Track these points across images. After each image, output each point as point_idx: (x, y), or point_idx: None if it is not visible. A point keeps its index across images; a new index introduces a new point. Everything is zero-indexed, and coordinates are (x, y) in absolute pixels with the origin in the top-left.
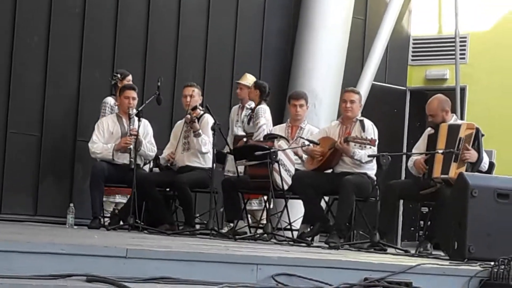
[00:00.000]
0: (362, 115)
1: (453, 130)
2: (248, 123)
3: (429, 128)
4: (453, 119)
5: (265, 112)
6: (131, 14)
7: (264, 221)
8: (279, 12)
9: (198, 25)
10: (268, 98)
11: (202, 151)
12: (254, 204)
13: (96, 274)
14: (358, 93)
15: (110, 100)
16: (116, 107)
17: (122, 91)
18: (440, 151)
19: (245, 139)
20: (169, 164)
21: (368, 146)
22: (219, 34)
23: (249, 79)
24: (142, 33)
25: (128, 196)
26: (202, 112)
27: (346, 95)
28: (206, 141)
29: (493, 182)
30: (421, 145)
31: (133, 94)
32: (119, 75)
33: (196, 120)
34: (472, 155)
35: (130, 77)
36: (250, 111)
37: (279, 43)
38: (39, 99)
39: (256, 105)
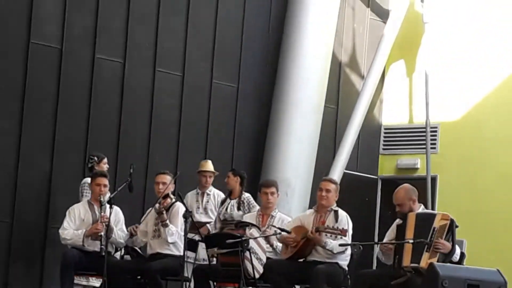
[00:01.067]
0: (336, 206)
1: (425, 219)
2: (239, 210)
3: (397, 219)
4: (420, 209)
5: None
6: (105, 98)
7: None
8: (251, 98)
9: (172, 111)
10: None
11: (168, 241)
12: None
13: None
14: (335, 183)
15: (88, 180)
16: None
17: (94, 178)
18: (410, 241)
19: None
20: (131, 240)
21: (339, 237)
22: (192, 119)
23: (210, 165)
24: (115, 116)
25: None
26: (173, 200)
27: (323, 184)
28: (173, 232)
29: (463, 272)
30: (390, 235)
31: (105, 181)
32: (96, 158)
33: (164, 211)
34: (445, 246)
35: (105, 160)
36: (227, 198)
37: (252, 130)
38: (10, 184)
39: (240, 194)
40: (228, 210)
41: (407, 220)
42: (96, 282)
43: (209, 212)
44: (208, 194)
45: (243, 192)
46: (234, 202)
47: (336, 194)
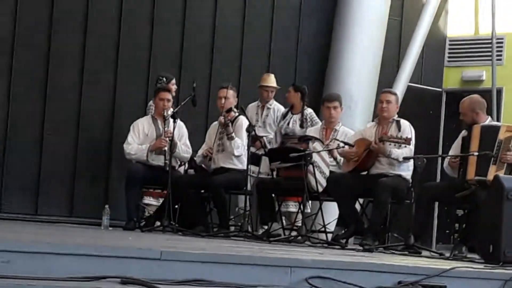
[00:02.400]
0: (397, 117)
1: (490, 131)
2: (302, 127)
3: (463, 131)
4: (487, 121)
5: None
6: (166, 16)
7: (299, 224)
8: (315, 13)
9: (233, 26)
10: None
11: (235, 154)
12: (291, 206)
13: (130, 276)
14: (394, 94)
15: (151, 103)
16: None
17: (157, 93)
18: (475, 153)
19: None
20: (206, 162)
21: (404, 146)
22: (255, 36)
23: (273, 79)
24: (178, 34)
25: (159, 198)
26: (236, 114)
27: (383, 95)
28: (239, 145)
29: None
30: (455, 147)
31: (168, 96)
32: (164, 79)
33: (230, 123)
34: None
35: (174, 81)
36: (288, 112)
37: (315, 44)
38: (75, 100)
39: (302, 109)
40: (290, 125)
41: (472, 132)
42: (161, 201)
43: (267, 126)
44: (268, 108)
45: (305, 107)
46: (296, 117)
47: (397, 105)
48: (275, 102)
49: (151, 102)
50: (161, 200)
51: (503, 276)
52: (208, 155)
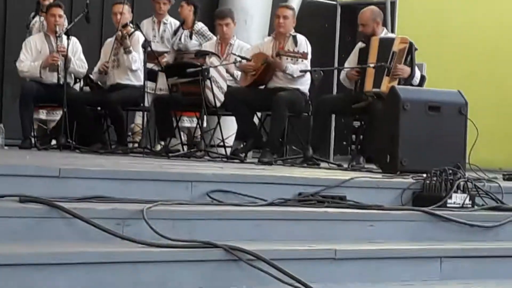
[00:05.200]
0: (294, 31)
1: (386, 43)
2: (191, 39)
3: (360, 43)
4: (383, 33)
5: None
6: None
7: (198, 139)
8: None
9: None
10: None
11: (132, 68)
12: (187, 122)
13: (29, 194)
14: (291, 8)
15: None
16: (39, 24)
17: (48, 9)
18: (372, 65)
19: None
20: (102, 77)
21: (300, 60)
22: None
23: None
24: None
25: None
26: (132, 29)
27: (280, 10)
28: (136, 58)
29: (424, 95)
30: (352, 59)
31: (59, 11)
32: None
33: (128, 37)
34: (404, 70)
35: None
36: (180, 27)
37: None
38: None
39: (192, 24)
40: (182, 40)
41: (370, 44)
42: (56, 115)
43: (165, 41)
44: (164, 23)
45: (196, 22)
46: (187, 32)
47: (293, 20)
48: (170, 18)
49: (32, 16)
50: (54, 114)
51: (401, 185)
52: (104, 69)
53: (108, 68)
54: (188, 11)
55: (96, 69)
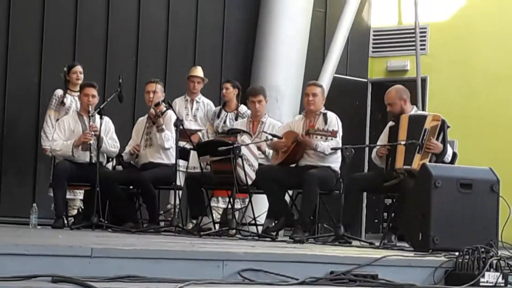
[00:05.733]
0: (324, 109)
1: (416, 121)
2: (236, 121)
3: (390, 121)
4: (413, 110)
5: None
6: (90, 9)
7: (229, 217)
8: (240, 5)
9: (158, 18)
10: None
11: (165, 147)
12: (221, 202)
13: (61, 274)
14: (320, 86)
15: (58, 92)
16: (64, 98)
17: (82, 88)
18: (402, 142)
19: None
20: (133, 159)
21: (330, 138)
22: (180, 28)
23: (200, 71)
24: (102, 28)
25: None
26: (165, 108)
27: (309, 88)
28: (169, 137)
29: (455, 172)
30: (383, 138)
31: (93, 91)
32: (65, 68)
33: (161, 115)
34: (437, 146)
35: (77, 68)
36: (228, 111)
37: (240, 36)
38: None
39: (236, 106)
40: (227, 123)
41: (399, 122)
42: (79, 195)
43: (198, 120)
44: (197, 102)
45: (240, 105)
46: (231, 114)
47: (323, 97)
48: (203, 97)
49: (56, 92)
50: (79, 194)
51: (433, 263)
52: (135, 153)
53: (139, 151)
54: (233, 94)
55: (126, 149)
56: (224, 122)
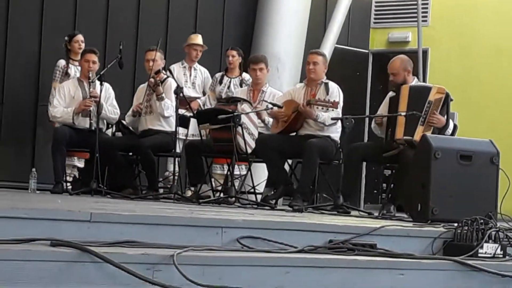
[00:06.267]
0: (326, 78)
1: (420, 92)
2: (241, 87)
3: (390, 92)
4: (414, 81)
5: None
6: None
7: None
8: None
9: None
10: None
11: (165, 115)
12: (218, 169)
13: (60, 238)
14: (322, 55)
15: (61, 62)
16: (67, 69)
17: (83, 55)
18: (403, 113)
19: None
20: (136, 120)
21: (331, 109)
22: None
23: (201, 39)
24: None
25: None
26: (165, 76)
27: (310, 57)
28: (169, 105)
29: (455, 144)
30: (383, 108)
31: (93, 57)
32: (66, 38)
33: (160, 84)
34: (440, 120)
35: (79, 37)
36: (231, 77)
37: (242, 6)
38: None
39: (240, 73)
40: (231, 88)
41: (400, 93)
42: (78, 162)
43: (196, 87)
44: (195, 69)
45: (242, 72)
46: (236, 80)
47: (324, 66)
48: (198, 64)
49: (59, 62)
50: (79, 162)
51: (432, 233)
52: (138, 111)
53: (141, 109)
54: (238, 61)
55: (130, 111)
56: (228, 87)
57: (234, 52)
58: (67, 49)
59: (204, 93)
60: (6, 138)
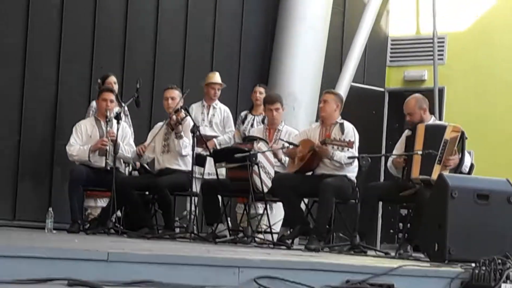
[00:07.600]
0: (341, 118)
1: (435, 130)
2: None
3: (406, 131)
4: (431, 120)
5: None
6: (109, 15)
7: (245, 224)
8: (258, 12)
9: (177, 25)
10: None
11: (182, 154)
12: (241, 208)
13: (78, 278)
14: (335, 94)
15: (94, 104)
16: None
17: (100, 93)
18: (419, 152)
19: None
20: (138, 159)
21: (346, 149)
22: (198, 35)
23: (219, 77)
24: (120, 33)
25: (101, 199)
26: (184, 114)
27: (322, 96)
28: (187, 144)
29: (472, 183)
30: (399, 147)
31: (111, 96)
32: (99, 80)
33: (181, 122)
34: (456, 161)
35: (111, 79)
36: (255, 115)
37: (258, 43)
38: (17, 101)
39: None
40: (255, 126)
41: (416, 132)
42: (103, 202)
43: (213, 125)
44: (214, 108)
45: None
46: (259, 118)
47: (336, 105)
48: (219, 103)
49: (92, 103)
50: (102, 202)
51: (449, 274)
52: (140, 153)
53: (144, 152)
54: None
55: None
56: (252, 125)
57: (262, 89)
58: (100, 90)
59: (223, 132)
60: (23, 177)
